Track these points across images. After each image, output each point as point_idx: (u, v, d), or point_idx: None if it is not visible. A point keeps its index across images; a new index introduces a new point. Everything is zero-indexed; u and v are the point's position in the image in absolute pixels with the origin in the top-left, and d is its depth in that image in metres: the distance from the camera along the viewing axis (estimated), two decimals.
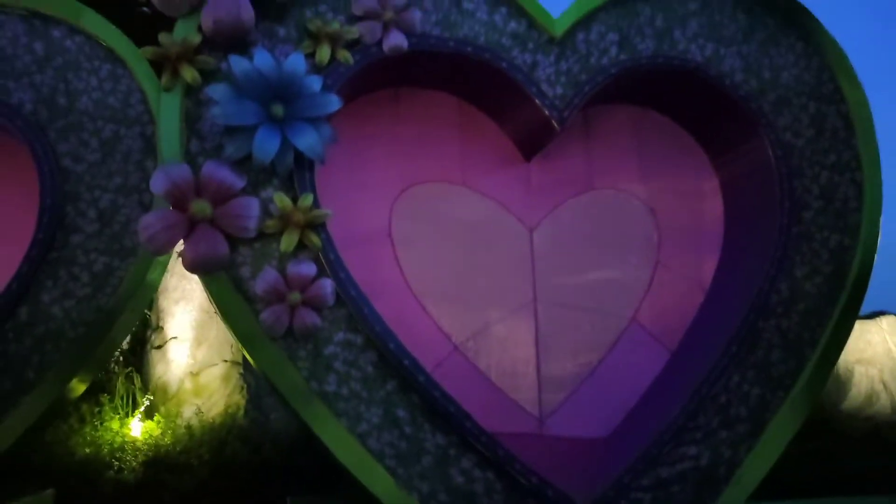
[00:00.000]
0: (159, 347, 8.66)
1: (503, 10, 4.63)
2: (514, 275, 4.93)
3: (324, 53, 4.20)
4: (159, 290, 8.03)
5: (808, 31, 5.03)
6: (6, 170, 5.09)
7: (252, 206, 3.90)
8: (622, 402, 4.77)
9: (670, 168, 5.27)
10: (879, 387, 9.97)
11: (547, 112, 4.54)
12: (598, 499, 4.03)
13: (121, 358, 7.89)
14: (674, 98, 5.15)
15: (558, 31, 4.67)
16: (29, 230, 4.72)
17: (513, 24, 4.64)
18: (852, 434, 8.27)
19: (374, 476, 3.91)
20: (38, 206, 4.77)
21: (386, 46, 4.35)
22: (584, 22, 4.74)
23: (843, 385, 9.66)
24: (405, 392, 4.02)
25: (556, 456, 4.51)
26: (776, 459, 4.36)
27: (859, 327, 9.95)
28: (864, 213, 4.85)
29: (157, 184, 3.80)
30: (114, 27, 5.07)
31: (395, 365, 3.98)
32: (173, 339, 8.46)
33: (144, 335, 8.54)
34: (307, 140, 3.97)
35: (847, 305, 4.70)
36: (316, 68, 4.19)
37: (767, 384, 4.49)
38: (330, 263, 3.98)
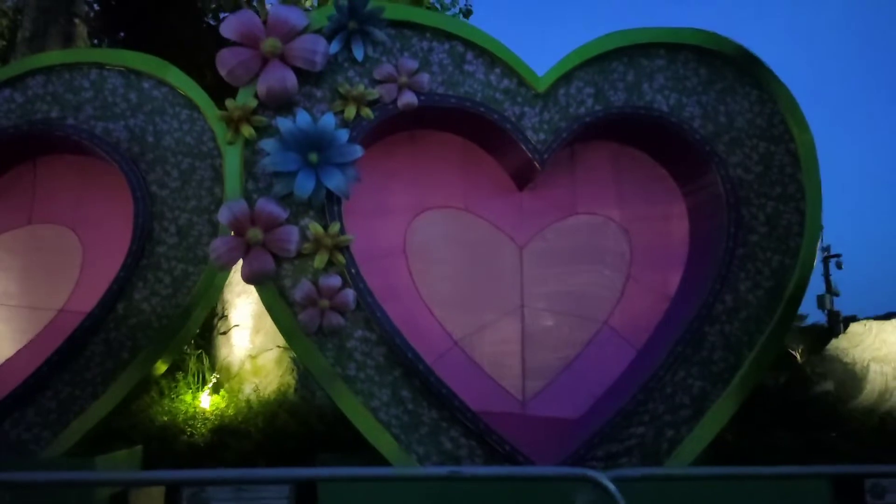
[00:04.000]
0: (224, 333, 9.93)
1: (497, 70, 5.64)
2: (506, 284, 5.89)
3: (350, 111, 5.32)
4: (224, 284, 9.20)
5: (761, 80, 5.83)
6: (110, 194, 6.01)
7: (293, 232, 5.10)
8: (592, 391, 5.68)
9: (644, 195, 6.11)
10: (893, 384, 10.31)
11: (530, 155, 5.54)
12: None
13: (193, 342, 9.11)
14: (646, 137, 6.00)
15: (542, 86, 5.63)
16: (126, 243, 5.70)
17: (505, 82, 5.65)
18: (862, 429, 8.85)
19: (382, 440, 5.05)
20: (132, 224, 5.67)
21: (400, 104, 5.43)
22: (565, 78, 5.68)
23: (858, 382, 10.12)
24: (408, 377, 5.15)
25: (535, 432, 5.51)
26: (712, 438, 5.32)
27: (875, 327, 10.39)
28: (804, 238, 5.68)
29: (223, 216, 5.05)
30: (191, 80, 5.99)
31: (400, 356, 5.11)
32: (236, 327, 9.72)
33: (212, 323, 9.79)
34: (336, 181, 5.13)
35: (783, 314, 5.54)
36: (344, 123, 5.32)
37: (709, 378, 5.42)
38: (352, 277, 5.14)
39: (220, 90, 5.51)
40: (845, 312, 16.90)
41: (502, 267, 5.94)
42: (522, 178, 5.94)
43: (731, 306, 5.54)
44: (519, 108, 5.61)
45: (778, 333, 5.53)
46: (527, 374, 5.80)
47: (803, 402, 9.10)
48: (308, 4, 13.47)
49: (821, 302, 18.05)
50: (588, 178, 6.16)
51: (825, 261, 20.02)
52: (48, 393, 5.50)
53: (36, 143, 5.99)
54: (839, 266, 19.88)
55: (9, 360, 6.00)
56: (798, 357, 10.68)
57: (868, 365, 10.32)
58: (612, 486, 2.50)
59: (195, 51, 12.06)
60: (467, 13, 17.86)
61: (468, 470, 3.79)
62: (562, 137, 5.59)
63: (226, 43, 5.30)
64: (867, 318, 11.24)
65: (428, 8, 15.04)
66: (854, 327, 10.66)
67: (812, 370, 10.35)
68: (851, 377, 10.04)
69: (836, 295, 18.54)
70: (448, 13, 16.25)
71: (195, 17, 13.54)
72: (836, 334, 11.38)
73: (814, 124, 5.82)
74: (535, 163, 5.56)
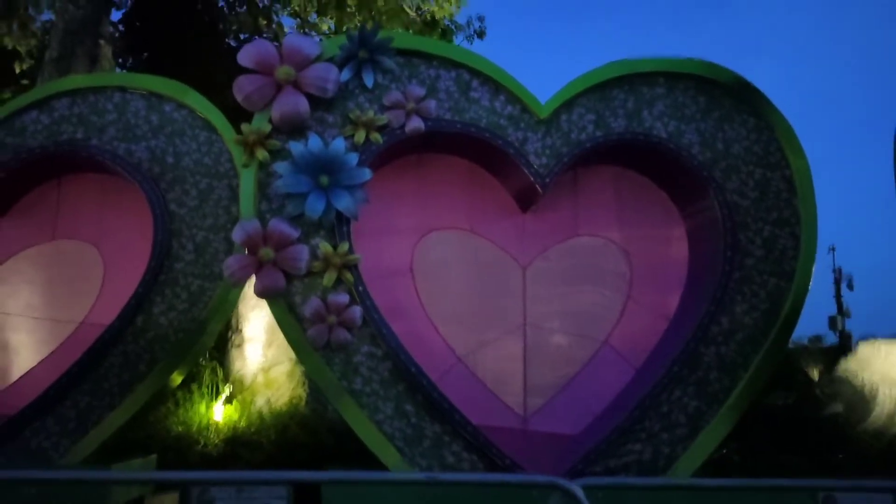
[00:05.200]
0: (238, 346, 10.19)
1: (502, 97, 5.88)
2: (509, 303, 6.08)
3: (360, 136, 5.58)
4: (239, 299, 9.42)
5: (758, 108, 6.02)
6: (131, 212, 6.25)
7: (303, 251, 5.33)
8: (591, 408, 5.84)
9: (644, 218, 6.30)
10: None
11: (533, 178, 5.76)
12: None
13: (207, 354, 9.34)
14: (646, 162, 6.20)
15: (545, 113, 5.86)
16: (145, 258, 5.90)
17: (509, 108, 5.88)
18: (870, 450, 8.87)
19: (386, 453, 5.24)
20: (152, 240, 5.86)
21: (408, 129, 5.68)
22: (567, 105, 5.90)
23: (867, 404, 10.14)
24: (412, 392, 5.35)
25: (535, 447, 5.68)
26: (707, 456, 5.47)
27: (885, 349, 10.44)
28: (799, 261, 5.83)
29: (237, 235, 5.30)
30: (210, 103, 6.21)
31: (404, 371, 5.31)
32: (249, 341, 9.97)
33: (227, 336, 10.03)
34: (345, 202, 5.37)
35: (778, 336, 5.67)
36: (354, 147, 5.57)
37: (704, 398, 5.56)
38: (359, 294, 5.36)
39: (239, 109, 5.73)
40: (857, 333, 16.87)
41: (506, 286, 6.14)
42: (525, 200, 6.15)
43: (728, 328, 5.69)
44: (522, 134, 5.83)
45: (773, 355, 5.66)
46: (528, 390, 5.98)
47: (812, 423, 9.14)
48: (325, 28, 13.83)
49: (832, 323, 18.03)
50: (590, 200, 6.36)
51: (836, 282, 20.00)
52: (68, 403, 5.71)
53: (61, 162, 6.28)
54: (850, 287, 19.84)
55: (31, 371, 6.26)
56: (815, 378, 10.71)
57: (877, 388, 10.30)
58: (580, 493, 2.67)
59: (215, 71, 12.44)
60: (481, 34, 18.15)
61: (445, 476, 4.01)
62: (563, 162, 5.79)
63: (244, 67, 5.57)
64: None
65: (443, 30, 15.38)
66: (863, 348, 10.68)
67: (822, 391, 10.38)
68: (861, 399, 10.02)
69: (848, 316, 18.51)
70: (461, 35, 16.56)
71: (216, 39, 13.93)
72: (848, 354, 11.40)
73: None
74: (538, 186, 5.77)
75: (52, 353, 6.27)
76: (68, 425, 5.71)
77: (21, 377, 6.27)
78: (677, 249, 6.29)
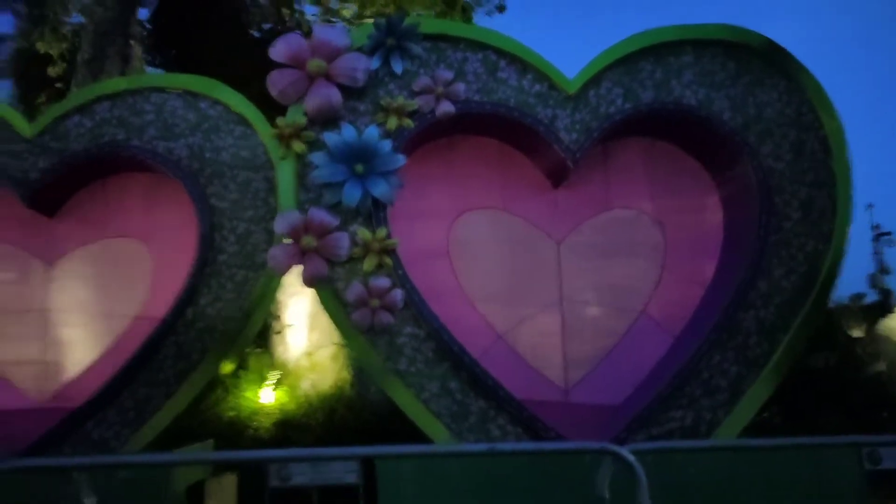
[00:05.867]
0: (279, 333, 10.44)
1: (529, 76, 5.93)
2: (545, 279, 6.18)
3: (392, 123, 5.69)
4: (280, 287, 9.59)
5: (789, 70, 5.98)
6: (175, 208, 6.38)
7: (343, 238, 5.49)
8: (632, 377, 5.94)
9: (677, 188, 6.33)
10: None
11: (563, 154, 5.82)
12: None
13: (253, 342, 9.59)
14: (677, 131, 6.22)
15: (573, 89, 5.91)
16: (191, 252, 6.06)
17: (537, 87, 5.93)
18: None
19: (435, 429, 5.42)
20: (196, 234, 6.04)
21: (438, 113, 5.77)
22: (594, 80, 5.94)
23: None
24: (456, 370, 5.50)
25: (578, 418, 5.79)
26: (749, 421, 5.53)
27: None
28: (836, 222, 5.83)
29: (279, 226, 5.47)
30: (243, 98, 6.33)
31: (447, 351, 5.46)
32: (291, 326, 10.21)
33: (269, 323, 10.28)
34: (381, 189, 5.51)
35: (817, 298, 5.71)
36: (386, 134, 5.69)
37: (744, 363, 5.62)
38: (399, 278, 5.51)
39: (267, 98, 5.86)
40: None
41: (541, 262, 6.24)
42: (557, 176, 6.22)
43: (766, 292, 5.72)
44: (551, 111, 5.89)
45: (812, 317, 5.69)
46: (568, 363, 6.09)
47: (854, 383, 9.09)
48: (347, 14, 13.90)
49: (873, 280, 17.73)
50: (621, 173, 6.40)
51: (876, 239, 19.64)
52: (127, 394, 5.96)
53: (105, 163, 6.49)
54: (891, 244, 19.45)
55: (91, 366, 6.53)
56: (857, 337, 10.60)
57: None
58: (631, 458, 2.78)
59: (241, 62, 12.59)
60: (501, 8, 17.98)
61: (504, 446, 4.15)
62: (593, 136, 5.84)
63: (274, 63, 5.70)
64: None
65: (463, 7, 15.31)
66: None
67: (864, 350, 10.29)
68: None
69: (888, 273, 18.18)
70: (482, 10, 16.43)
71: (240, 30, 14.10)
72: (890, 312, 11.24)
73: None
74: (568, 161, 5.84)
75: (110, 347, 6.52)
76: (128, 415, 5.97)
77: (81, 372, 6.53)
78: (712, 217, 6.32)
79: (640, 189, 6.37)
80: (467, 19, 14.77)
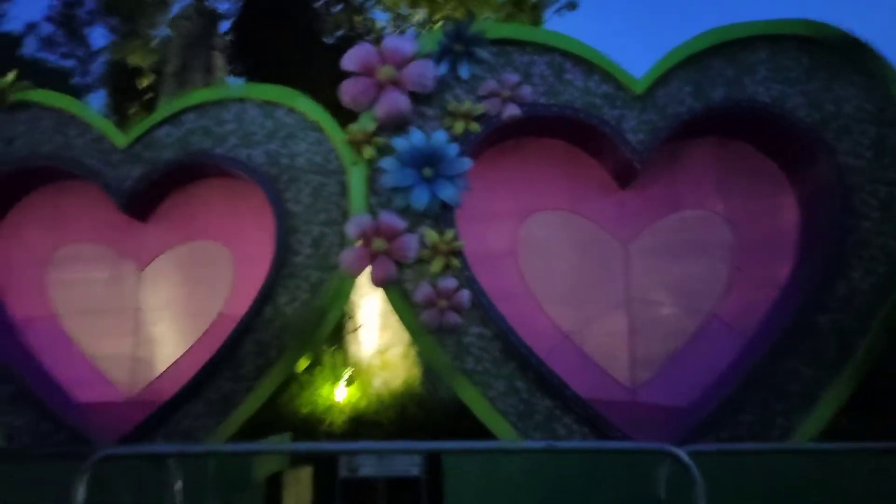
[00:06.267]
0: (354, 332, 10.73)
1: (596, 77, 5.95)
2: (612, 280, 6.17)
3: (459, 127, 5.82)
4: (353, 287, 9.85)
5: (869, 65, 5.77)
6: (255, 212, 6.65)
7: (412, 241, 5.67)
8: (701, 379, 5.84)
9: (749, 187, 6.19)
10: None
11: (630, 156, 5.82)
12: None
13: (327, 340, 9.88)
14: (750, 129, 6.09)
15: (640, 89, 5.88)
16: (270, 254, 6.33)
17: (603, 87, 5.94)
18: None
19: (501, 428, 5.52)
20: (274, 237, 6.31)
21: (504, 116, 5.87)
22: (663, 79, 5.90)
23: None
24: (522, 370, 5.58)
25: (644, 419, 5.77)
26: (824, 425, 5.37)
27: None
28: None
29: (351, 230, 5.70)
30: (318, 106, 6.59)
31: (513, 351, 5.56)
32: (363, 326, 10.48)
33: (343, 322, 10.58)
34: (448, 192, 5.65)
35: None
36: (454, 138, 5.82)
37: (820, 366, 5.47)
38: (466, 279, 5.64)
39: (339, 103, 6.09)
40: None
41: (608, 263, 6.24)
42: (624, 177, 6.20)
43: (844, 294, 5.55)
44: (618, 112, 5.89)
45: (892, 320, 5.48)
46: (635, 364, 6.06)
47: None
48: (418, 18, 14.13)
49: None
50: (691, 173, 6.33)
51: None
52: (212, 388, 6.32)
53: (191, 170, 6.89)
54: None
55: (178, 361, 6.94)
56: None
57: None
58: (686, 459, 2.80)
59: (316, 69, 13.02)
60: (572, 6, 17.85)
61: (561, 444, 4.21)
62: (661, 136, 5.81)
63: (344, 73, 5.93)
64: None
65: (533, 5, 15.29)
66: None
67: None
68: None
69: None
70: (552, 9, 16.35)
71: (314, 38, 14.55)
72: None
73: None
74: (635, 162, 5.82)
75: (196, 343, 6.90)
76: (213, 407, 6.32)
77: (169, 367, 6.94)
78: (786, 217, 6.17)
79: (710, 189, 6.28)
80: (537, 18, 14.74)
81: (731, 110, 5.86)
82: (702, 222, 6.25)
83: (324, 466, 6.76)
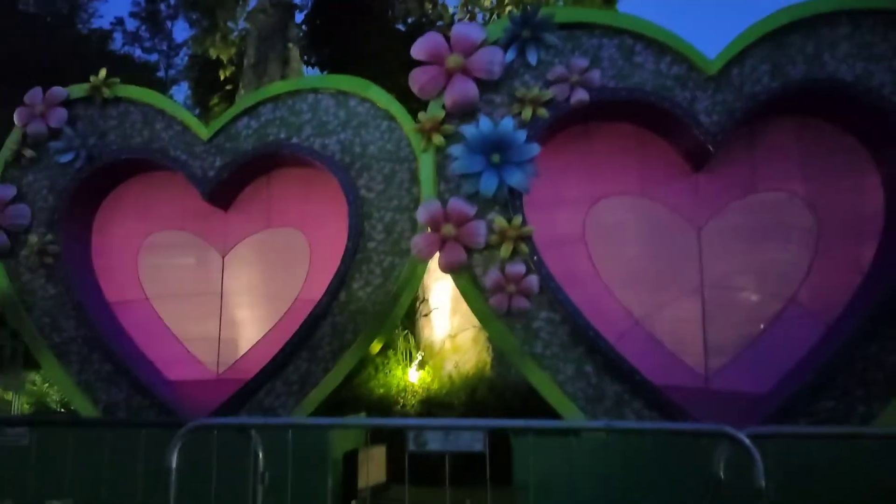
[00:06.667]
0: (426, 315, 10.95)
1: (667, 59, 5.84)
2: (685, 265, 6.06)
3: (527, 113, 5.84)
4: (424, 272, 10.05)
5: None
6: (329, 199, 6.87)
7: (481, 227, 5.74)
8: (779, 366, 5.70)
9: (831, 168, 5.96)
10: None
11: (703, 137, 5.69)
12: None
13: (400, 324, 10.13)
14: (832, 108, 5.85)
15: (714, 69, 5.74)
16: (344, 240, 6.57)
17: (675, 69, 5.83)
18: None
19: (570, 411, 5.56)
20: (348, 223, 6.54)
21: (573, 101, 5.85)
22: (738, 58, 5.73)
23: None
24: (591, 354, 5.60)
25: (718, 406, 5.66)
26: None
27: None
28: None
29: (421, 216, 5.82)
30: (389, 95, 6.78)
31: (582, 335, 5.57)
32: (435, 310, 10.68)
33: (415, 306, 10.82)
34: (516, 178, 5.69)
35: None
36: (522, 124, 5.85)
37: None
38: (535, 264, 5.68)
39: (412, 92, 6.22)
40: None
41: (680, 248, 6.13)
42: (697, 160, 6.08)
43: None
44: (690, 93, 5.77)
45: None
46: (709, 350, 5.97)
47: None
48: (487, 3, 14.10)
49: None
50: (769, 154, 6.14)
51: None
52: (291, 368, 6.62)
53: (269, 160, 7.17)
54: None
55: (259, 342, 7.28)
56: None
57: None
58: (746, 441, 2.79)
59: (389, 56, 13.22)
60: None
61: (621, 423, 4.26)
62: (736, 117, 5.67)
63: (415, 61, 6.04)
64: None
65: None
66: None
67: None
68: None
69: None
70: None
71: (386, 25, 14.75)
72: None
73: None
74: (709, 145, 5.70)
75: (274, 326, 7.22)
76: (293, 387, 6.62)
77: (251, 348, 7.30)
78: (871, 199, 5.92)
79: (790, 170, 6.08)
80: (610, 1, 14.44)
81: (812, 89, 5.65)
82: (780, 204, 6.07)
83: (397, 445, 6.98)
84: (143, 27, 33.32)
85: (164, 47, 34.18)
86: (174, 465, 3.44)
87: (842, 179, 5.99)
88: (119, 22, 31.45)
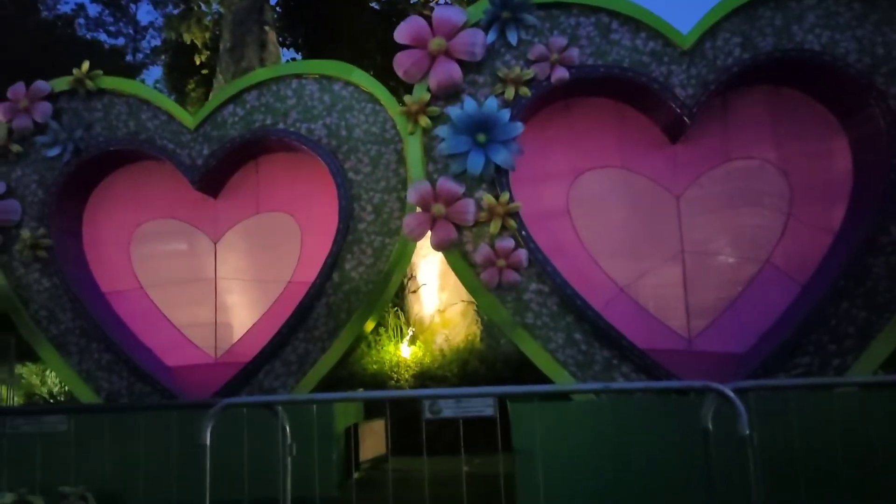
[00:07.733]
0: (415, 292, 11.18)
1: (643, 35, 6.03)
2: (665, 233, 6.30)
3: (510, 92, 6.02)
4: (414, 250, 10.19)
5: None
6: (318, 183, 7.00)
7: (469, 205, 5.94)
8: (757, 326, 5.99)
9: (801, 134, 6.20)
10: None
11: (679, 110, 5.92)
12: None
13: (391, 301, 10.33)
14: (801, 77, 6.09)
15: (688, 43, 5.94)
16: (334, 222, 6.74)
17: (651, 45, 6.03)
18: None
19: (562, 378, 5.82)
20: (337, 206, 6.69)
21: (553, 79, 6.03)
22: (710, 32, 5.94)
23: None
24: (579, 322, 5.86)
25: (702, 366, 5.93)
26: (878, 365, 5.52)
27: None
28: None
29: (411, 196, 6.00)
30: (372, 78, 6.96)
31: (571, 304, 5.82)
32: (424, 286, 10.91)
33: (403, 283, 11.06)
34: (502, 156, 5.88)
35: None
36: (505, 103, 6.02)
37: (873, 308, 5.57)
38: (523, 238, 5.90)
39: (389, 71, 6.36)
40: None
41: (661, 216, 6.38)
42: (674, 132, 6.31)
43: None
44: (666, 68, 5.98)
45: None
46: (691, 313, 6.25)
47: None
48: None
49: None
50: (741, 123, 6.38)
51: None
52: (289, 349, 6.80)
53: (256, 146, 7.28)
54: None
55: (255, 325, 7.44)
56: None
57: None
58: (731, 393, 3.06)
59: (365, 37, 13.25)
60: None
61: (615, 385, 4.59)
62: (710, 90, 5.89)
63: (399, 46, 6.17)
64: None
65: None
66: None
67: None
68: None
69: None
70: None
71: (361, 5, 14.73)
72: None
73: None
74: (685, 117, 5.93)
75: (269, 309, 7.38)
76: (291, 367, 6.81)
77: (248, 331, 7.46)
78: (839, 163, 6.19)
79: (762, 138, 6.33)
80: None
81: (780, 61, 5.88)
82: (754, 171, 6.32)
83: (394, 418, 7.25)
84: (106, 12, 32.77)
85: (130, 31, 33.64)
86: (208, 441, 3.65)
87: (811, 145, 6.25)
88: (80, 7, 30.93)
